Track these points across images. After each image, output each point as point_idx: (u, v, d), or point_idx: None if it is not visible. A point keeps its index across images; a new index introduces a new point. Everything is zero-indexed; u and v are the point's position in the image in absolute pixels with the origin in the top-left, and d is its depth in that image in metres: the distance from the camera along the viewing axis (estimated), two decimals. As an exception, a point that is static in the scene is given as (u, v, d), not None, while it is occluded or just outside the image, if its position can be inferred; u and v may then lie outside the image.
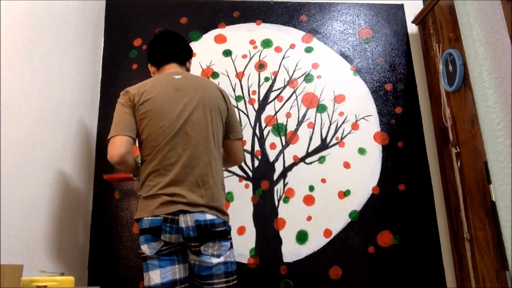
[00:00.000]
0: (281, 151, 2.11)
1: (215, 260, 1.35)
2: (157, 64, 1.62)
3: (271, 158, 2.09)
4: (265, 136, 2.12)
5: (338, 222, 2.03)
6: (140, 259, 1.91)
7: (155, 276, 1.33)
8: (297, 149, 2.11)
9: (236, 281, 1.41)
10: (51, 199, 1.57)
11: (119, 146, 1.39)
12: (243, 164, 2.07)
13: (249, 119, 2.14)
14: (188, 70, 1.68)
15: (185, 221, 1.33)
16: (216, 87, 1.57)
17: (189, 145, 1.41)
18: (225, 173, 2.04)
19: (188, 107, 1.44)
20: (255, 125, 2.14)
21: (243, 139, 2.10)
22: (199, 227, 1.34)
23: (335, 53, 2.29)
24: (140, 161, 1.50)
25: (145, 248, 1.35)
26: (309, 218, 2.02)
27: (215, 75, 2.19)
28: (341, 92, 2.21)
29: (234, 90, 2.18)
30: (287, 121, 2.15)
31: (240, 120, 2.13)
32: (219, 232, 1.37)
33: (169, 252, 1.36)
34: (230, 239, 1.44)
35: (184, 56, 1.64)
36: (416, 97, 2.25)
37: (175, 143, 1.40)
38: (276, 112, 2.16)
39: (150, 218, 1.34)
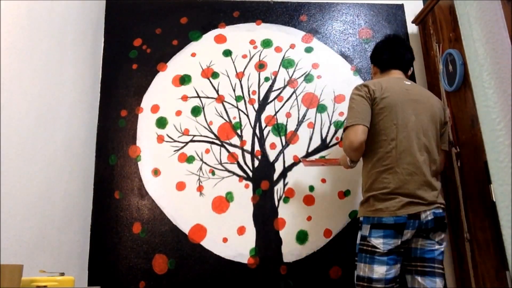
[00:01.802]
0: (281, 151, 2.11)
1: (437, 247, 1.52)
2: (384, 68, 1.77)
3: (271, 158, 2.10)
4: (265, 136, 2.12)
5: (338, 222, 2.03)
6: (140, 259, 1.92)
7: (381, 270, 1.44)
8: (297, 149, 2.11)
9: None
10: (51, 199, 1.57)
11: (361, 133, 1.52)
12: (243, 164, 2.08)
13: (249, 119, 2.14)
14: (407, 77, 1.80)
15: (425, 216, 1.48)
16: (438, 100, 1.73)
17: (421, 150, 1.55)
18: (225, 173, 2.05)
19: (420, 111, 1.59)
20: (255, 125, 2.14)
21: (243, 139, 2.11)
22: (437, 219, 1.51)
23: (335, 53, 2.29)
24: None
25: (379, 243, 1.46)
26: (309, 218, 2.02)
27: (215, 75, 2.19)
28: (341, 92, 2.21)
29: (234, 90, 2.18)
30: (287, 121, 2.15)
31: (240, 120, 2.13)
32: (445, 225, 1.55)
33: (398, 252, 1.48)
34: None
35: (409, 65, 1.80)
36: (416, 97, 2.25)
37: (409, 145, 1.53)
38: (276, 112, 2.16)
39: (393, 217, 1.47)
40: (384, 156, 1.54)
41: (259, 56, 2.24)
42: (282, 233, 1.99)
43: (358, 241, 1.57)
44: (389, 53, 1.76)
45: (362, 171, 1.65)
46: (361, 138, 1.51)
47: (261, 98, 2.18)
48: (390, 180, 1.50)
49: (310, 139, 2.13)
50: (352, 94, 1.65)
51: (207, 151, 2.07)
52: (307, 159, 2.04)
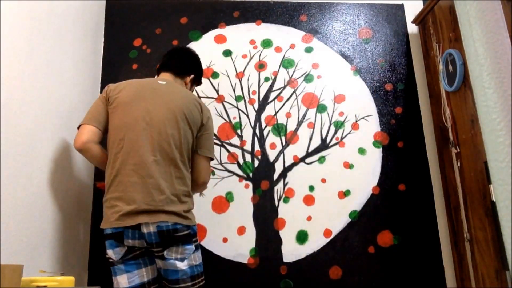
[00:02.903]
0: (281, 151, 2.11)
1: (179, 264, 1.38)
2: (158, 71, 1.70)
3: (271, 158, 2.09)
4: (265, 136, 2.12)
5: (338, 222, 2.03)
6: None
7: (122, 280, 1.37)
8: (297, 149, 2.11)
9: (203, 282, 1.47)
10: (51, 199, 1.57)
11: (83, 133, 1.47)
12: (243, 164, 2.08)
13: (249, 119, 2.14)
14: (185, 84, 1.68)
15: (147, 230, 1.36)
16: (195, 99, 1.58)
17: (154, 151, 1.43)
18: (225, 173, 2.05)
19: (158, 110, 1.47)
20: (255, 125, 2.14)
21: (243, 139, 2.11)
22: (161, 233, 1.37)
23: (335, 53, 2.29)
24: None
25: (111, 253, 1.40)
26: (309, 218, 2.02)
27: (215, 75, 2.19)
28: (341, 92, 2.21)
29: (234, 90, 2.18)
30: (287, 121, 2.15)
31: (240, 120, 2.13)
32: (180, 238, 1.39)
33: (133, 256, 1.40)
34: (195, 241, 1.46)
35: (181, 70, 1.66)
36: (416, 97, 2.25)
37: (137, 145, 1.43)
38: (276, 112, 2.16)
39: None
40: (113, 158, 1.42)
41: (259, 56, 2.24)
42: (282, 233, 1.99)
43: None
44: (164, 58, 1.71)
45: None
46: (83, 139, 1.44)
47: (261, 98, 2.18)
48: (115, 184, 1.39)
49: (310, 139, 2.13)
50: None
51: None
52: None
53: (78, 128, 1.50)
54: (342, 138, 2.14)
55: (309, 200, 2.04)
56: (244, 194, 2.04)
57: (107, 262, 1.44)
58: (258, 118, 2.15)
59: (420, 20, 2.28)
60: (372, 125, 2.18)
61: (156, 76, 1.70)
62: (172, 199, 1.39)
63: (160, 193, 1.37)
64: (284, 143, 2.12)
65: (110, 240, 1.39)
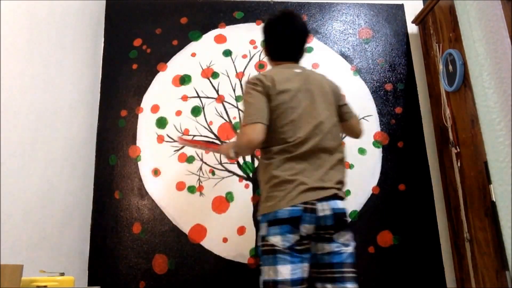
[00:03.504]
0: (281, 151, 2.10)
1: (344, 249, 1.37)
2: (279, 58, 1.59)
3: (271, 158, 2.09)
4: (265, 136, 2.12)
5: (338, 222, 2.02)
6: (140, 259, 1.92)
7: (285, 270, 1.29)
8: (297, 149, 2.11)
9: None
10: (51, 199, 1.57)
11: (259, 132, 1.39)
12: (243, 164, 2.07)
13: (249, 119, 2.14)
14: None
15: (322, 209, 1.34)
16: (328, 80, 1.60)
17: (319, 141, 1.44)
18: (225, 173, 2.05)
19: (314, 98, 1.48)
20: (255, 125, 2.13)
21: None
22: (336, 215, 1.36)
23: (335, 53, 2.29)
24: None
25: (277, 240, 1.31)
26: (309, 218, 2.02)
27: (215, 75, 2.19)
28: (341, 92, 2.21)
29: (234, 90, 2.18)
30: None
31: (240, 120, 2.13)
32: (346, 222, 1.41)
33: (301, 249, 1.33)
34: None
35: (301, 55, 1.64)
36: (416, 97, 2.25)
37: (307, 134, 1.42)
38: (276, 112, 2.16)
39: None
40: (285, 148, 1.41)
41: (259, 56, 2.24)
42: (282, 233, 1.99)
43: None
44: (285, 43, 1.57)
45: (260, 168, 1.50)
46: (261, 137, 1.39)
47: (261, 98, 2.18)
48: (291, 171, 1.37)
49: (310, 139, 2.13)
50: (247, 88, 1.48)
51: (207, 151, 2.07)
52: (185, 138, 1.92)
53: (246, 125, 1.41)
54: (342, 138, 2.14)
55: (309, 200, 2.04)
56: (244, 194, 2.04)
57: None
58: (258, 118, 2.15)
59: (420, 20, 2.28)
60: (372, 125, 2.18)
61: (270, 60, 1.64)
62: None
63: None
64: (284, 143, 2.12)
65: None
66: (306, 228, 1.32)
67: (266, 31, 1.58)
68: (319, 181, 1.37)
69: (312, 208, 1.33)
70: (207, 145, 1.87)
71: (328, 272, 1.35)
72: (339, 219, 1.36)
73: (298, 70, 1.53)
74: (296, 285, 1.29)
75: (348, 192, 2.07)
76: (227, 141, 2.10)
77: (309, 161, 1.39)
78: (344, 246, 1.37)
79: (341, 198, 1.42)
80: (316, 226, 1.33)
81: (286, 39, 1.56)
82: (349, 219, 1.42)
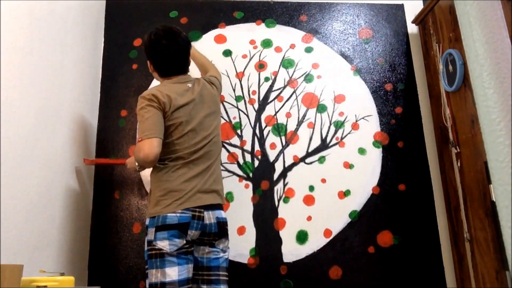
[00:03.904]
0: (281, 151, 2.10)
1: (222, 254, 1.56)
2: (166, 74, 1.67)
3: (271, 158, 2.09)
4: (265, 136, 2.12)
5: (338, 222, 2.02)
6: (140, 259, 1.91)
7: (172, 272, 1.39)
8: (297, 149, 2.11)
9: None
10: (51, 199, 1.57)
11: (156, 146, 1.46)
12: (243, 164, 2.07)
13: (249, 119, 2.14)
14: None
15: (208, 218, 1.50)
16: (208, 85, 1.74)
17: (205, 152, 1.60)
18: (225, 173, 2.05)
19: (201, 108, 1.62)
20: (255, 125, 2.14)
21: (243, 139, 2.11)
22: (220, 224, 1.54)
23: (335, 53, 2.29)
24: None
25: (165, 244, 1.42)
26: (309, 218, 2.02)
27: (215, 75, 2.19)
28: (341, 92, 2.21)
29: (234, 90, 2.18)
30: (287, 121, 2.15)
31: (240, 120, 2.13)
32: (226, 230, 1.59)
33: (186, 251, 1.46)
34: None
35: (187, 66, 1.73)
36: (416, 97, 2.25)
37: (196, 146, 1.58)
38: (276, 112, 2.16)
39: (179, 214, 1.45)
40: (179, 156, 1.52)
41: (259, 56, 2.24)
42: (282, 233, 1.99)
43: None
44: (169, 61, 1.64)
45: (152, 176, 1.57)
46: (157, 151, 1.45)
47: (261, 98, 2.18)
48: (177, 179, 1.49)
49: (310, 139, 2.13)
50: (142, 103, 1.52)
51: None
52: (89, 159, 1.93)
53: (141, 139, 1.48)
54: (342, 138, 2.14)
55: (309, 200, 2.04)
56: (244, 194, 2.03)
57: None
58: (258, 118, 2.15)
59: (420, 20, 2.28)
60: (372, 125, 2.18)
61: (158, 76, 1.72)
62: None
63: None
64: (284, 143, 2.12)
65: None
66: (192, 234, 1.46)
67: (151, 48, 1.63)
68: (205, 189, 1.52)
69: (200, 216, 1.47)
70: (114, 162, 1.96)
71: (205, 275, 1.51)
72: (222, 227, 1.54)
73: (189, 85, 1.63)
74: (183, 285, 1.41)
75: (348, 192, 2.07)
76: (227, 141, 2.10)
77: (198, 167, 1.53)
78: (222, 251, 1.55)
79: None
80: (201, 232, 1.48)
81: (173, 55, 1.62)
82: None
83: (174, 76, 1.65)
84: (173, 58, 1.63)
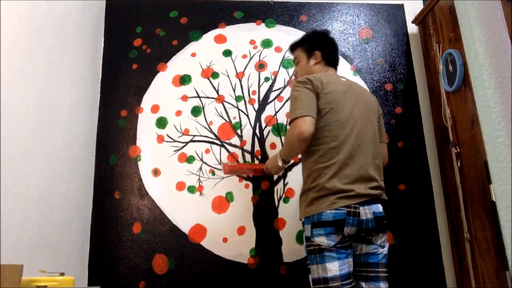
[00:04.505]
0: (281, 151, 2.10)
1: (381, 250, 1.48)
2: (330, 64, 1.73)
3: (271, 158, 2.09)
4: (265, 136, 2.12)
5: (338, 222, 2.02)
6: (140, 259, 1.92)
7: (333, 267, 1.37)
8: (297, 149, 2.11)
9: None
10: (51, 199, 1.57)
11: (310, 124, 1.46)
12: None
13: (249, 119, 2.14)
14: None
15: (364, 213, 1.44)
16: (370, 93, 1.77)
17: (364, 144, 1.52)
18: (225, 173, 2.04)
19: (357, 108, 1.56)
20: (255, 125, 2.14)
21: (243, 139, 2.11)
22: (377, 219, 1.46)
23: (335, 53, 2.28)
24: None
25: (322, 240, 1.41)
26: (309, 218, 2.02)
27: (215, 75, 2.19)
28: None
29: (234, 90, 2.18)
30: (287, 121, 2.15)
31: (240, 120, 2.13)
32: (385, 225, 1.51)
33: (345, 246, 1.43)
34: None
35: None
36: (416, 97, 2.25)
37: (351, 140, 1.50)
38: (276, 112, 2.16)
39: (333, 211, 1.41)
40: (327, 152, 1.48)
41: (259, 56, 2.24)
42: (282, 233, 1.99)
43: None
44: (335, 51, 1.77)
45: (303, 170, 1.58)
46: (311, 129, 1.45)
47: (261, 98, 2.18)
48: (332, 175, 1.44)
49: (310, 139, 2.13)
50: (296, 86, 1.56)
51: (207, 151, 2.07)
52: (229, 164, 1.96)
53: (296, 118, 1.47)
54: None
55: (309, 200, 2.04)
56: (244, 194, 2.04)
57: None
58: (258, 118, 2.15)
59: (420, 20, 2.28)
60: (372, 125, 2.17)
61: (318, 61, 1.73)
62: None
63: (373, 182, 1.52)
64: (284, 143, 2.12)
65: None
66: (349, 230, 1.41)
67: (322, 39, 1.77)
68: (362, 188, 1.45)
69: (355, 212, 1.41)
70: (252, 167, 1.97)
71: (364, 271, 1.46)
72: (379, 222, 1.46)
73: (343, 79, 1.65)
74: (345, 279, 1.37)
75: (348, 192, 2.07)
76: (227, 141, 2.10)
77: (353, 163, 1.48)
78: (381, 247, 1.48)
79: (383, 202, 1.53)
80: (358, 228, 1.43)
81: (336, 50, 1.78)
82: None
83: (331, 67, 1.72)
84: (337, 51, 1.78)
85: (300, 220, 1.53)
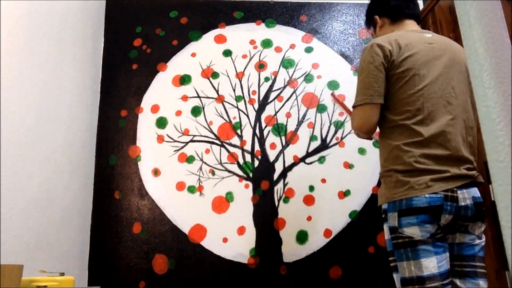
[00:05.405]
0: (281, 151, 2.11)
1: (478, 241, 1.23)
2: (407, 16, 1.42)
3: (271, 158, 2.09)
4: (265, 136, 2.12)
5: (338, 222, 2.02)
6: (140, 259, 1.92)
7: (430, 264, 1.13)
8: (297, 149, 2.11)
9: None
10: (51, 199, 1.57)
11: (369, 115, 1.29)
12: (243, 164, 2.07)
13: (249, 119, 2.14)
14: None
15: (463, 198, 1.19)
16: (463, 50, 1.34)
17: (453, 118, 1.25)
18: (225, 173, 2.04)
19: (448, 69, 1.27)
20: (255, 125, 2.14)
21: (243, 139, 2.11)
22: (476, 204, 1.21)
23: (335, 53, 2.29)
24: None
25: (415, 231, 1.16)
26: (309, 218, 2.02)
27: (215, 75, 2.19)
28: (341, 92, 2.21)
29: (234, 90, 2.18)
30: (287, 121, 2.15)
31: (240, 120, 2.13)
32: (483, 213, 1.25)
33: (442, 237, 1.19)
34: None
35: (420, 15, 1.48)
36: (416, 97, 2.25)
37: (439, 113, 1.23)
38: (276, 112, 2.16)
39: (427, 196, 1.17)
40: (410, 127, 1.25)
41: (259, 56, 2.24)
42: (282, 233, 1.99)
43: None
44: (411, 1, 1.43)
45: (381, 147, 1.39)
46: (371, 121, 1.29)
47: (261, 98, 2.18)
48: (420, 154, 1.21)
49: (310, 139, 2.13)
50: (363, 58, 1.33)
51: (207, 151, 2.07)
52: (336, 96, 2.14)
53: (359, 106, 1.29)
54: (342, 138, 2.14)
55: (309, 200, 2.04)
56: (244, 194, 2.04)
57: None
58: (258, 118, 2.15)
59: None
60: (372, 125, 2.17)
61: (387, 24, 1.46)
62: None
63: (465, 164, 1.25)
64: (284, 143, 2.12)
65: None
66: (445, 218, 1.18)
67: None
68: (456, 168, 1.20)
69: (453, 196, 1.18)
70: (347, 111, 2.10)
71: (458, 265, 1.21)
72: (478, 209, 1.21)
73: (428, 35, 1.33)
74: (445, 279, 1.14)
75: (348, 192, 2.07)
76: (227, 141, 2.10)
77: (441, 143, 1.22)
78: (478, 238, 1.23)
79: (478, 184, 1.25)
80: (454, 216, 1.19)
81: None
82: None
83: (406, 19, 1.41)
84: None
85: (379, 206, 1.30)
